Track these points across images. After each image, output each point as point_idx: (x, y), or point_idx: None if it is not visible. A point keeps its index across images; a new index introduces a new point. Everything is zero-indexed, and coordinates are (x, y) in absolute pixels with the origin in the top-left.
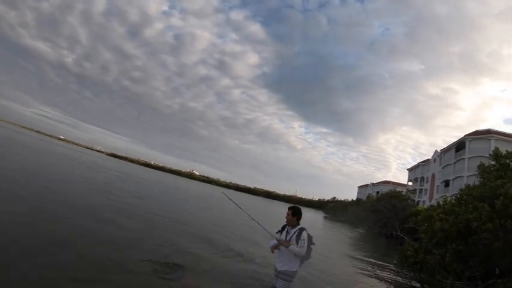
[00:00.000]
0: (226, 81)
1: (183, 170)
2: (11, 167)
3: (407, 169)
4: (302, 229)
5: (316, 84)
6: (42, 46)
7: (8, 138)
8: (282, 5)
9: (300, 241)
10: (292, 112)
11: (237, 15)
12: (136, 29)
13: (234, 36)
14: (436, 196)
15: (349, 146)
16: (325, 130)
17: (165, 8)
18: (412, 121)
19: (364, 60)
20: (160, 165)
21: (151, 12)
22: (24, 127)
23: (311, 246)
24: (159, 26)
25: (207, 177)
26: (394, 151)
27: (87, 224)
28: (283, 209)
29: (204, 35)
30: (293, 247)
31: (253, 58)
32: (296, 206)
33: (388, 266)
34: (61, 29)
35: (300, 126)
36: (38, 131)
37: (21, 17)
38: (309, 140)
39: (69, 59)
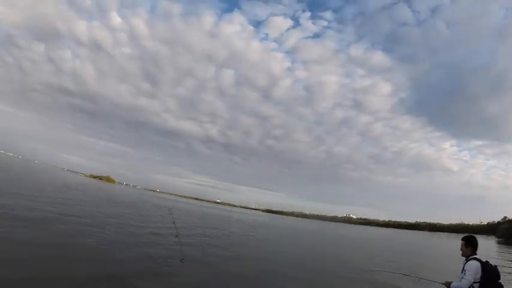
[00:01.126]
0: (365, 118)
1: (339, 216)
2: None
3: None
4: (470, 259)
5: (456, 95)
6: (187, 125)
7: (171, 207)
8: (396, 26)
9: (462, 272)
10: (440, 132)
11: (357, 50)
12: (267, 91)
13: (360, 71)
14: None
15: (510, 153)
16: (479, 142)
17: (288, 64)
18: None
19: (497, 53)
20: (316, 213)
21: (276, 72)
22: (183, 196)
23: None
24: (287, 82)
25: (365, 219)
26: None
27: None
28: (454, 242)
29: (331, 79)
30: (453, 284)
31: (385, 87)
32: (470, 235)
33: None
34: (200, 106)
35: (452, 145)
36: (196, 198)
37: (163, 105)
38: (465, 158)
39: (213, 131)
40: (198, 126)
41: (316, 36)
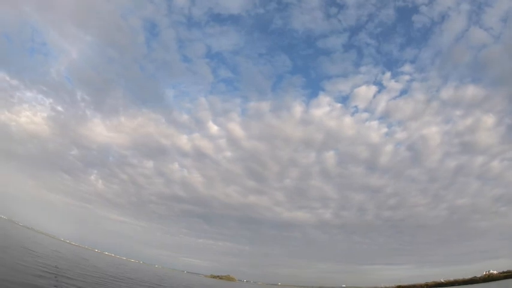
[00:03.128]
0: (479, 159)
1: (478, 275)
2: None
3: None
4: None
5: None
6: (299, 214)
7: None
8: (475, 51)
9: None
10: None
11: (447, 92)
12: (372, 162)
13: (458, 112)
14: None
15: None
16: None
17: (385, 129)
18: None
19: None
20: (452, 279)
21: (375, 141)
22: (306, 286)
23: None
24: (388, 148)
25: (509, 272)
26: None
27: None
28: None
29: (431, 131)
30: None
31: (489, 120)
32: None
33: None
34: (309, 193)
35: None
36: (320, 287)
37: (272, 199)
38: None
39: (326, 215)
40: (310, 213)
41: (403, 92)
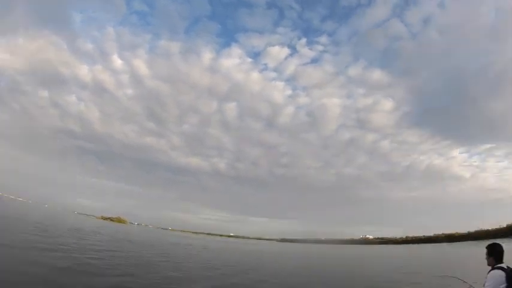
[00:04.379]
0: (371, 137)
1: (356, 238)
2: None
3: None
4: (492, 269)
5: (458, 100)
6: (195, 160)
7: (178, 243)
8: (391, 41)
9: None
10: (448, 141)
11: (355, 71)
12: (271, 120)
13: (361, 90)
14: None
15: None
16: (488, 146)
17: (289, 91)
18: None
19: (493, 53)
20: (332, 238)
21: (278, 101)
22: (196, 232)
23: None
24: (289, 109)
25: (382, 238)
26: None
27: None
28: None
29: (333, 102)
30: None
31: (387, 104)
32: (493, 243)
33: None
34: (206, 141)
35: (461, 153)
36: (208, 233)
37: (169, 142)
38: (475, 163)
39: (221, 164)
40: (206, 161)
41: (314, 61)
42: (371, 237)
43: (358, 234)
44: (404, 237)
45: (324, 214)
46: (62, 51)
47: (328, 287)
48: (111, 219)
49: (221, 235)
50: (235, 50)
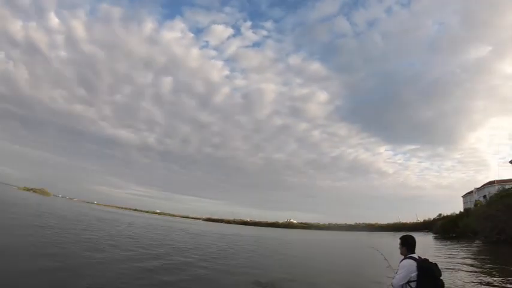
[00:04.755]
0: (303, 126)
1: (280, 221)
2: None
3: (510, 161)
4: (404, 259)
5: (389, 103)
6: (124, 133)
7: (104, 218)
8: (334, 37)
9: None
10: (376, 138)
11: (295, 60)
12: (205, 98)
13: (298, 80)
14: None
15: (441, 156)
16: (413, 147)
17: (227, 72)
18: (499, 109)
19: (430, 63)
20: (257, 220)
21: (215, 80)
22: (121, 207)
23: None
24: (225, 90)
25: (306, 223)
26: (489, 147)
27: None
28: (395, 240)
29: (269, 88)
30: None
31: (322, 96)
32: (406, 235)
33: None
34: (138, 114)
35: (387, 150)
36: (135, 209)
37: (99, 112)
38: (399, 161)
39: (151, 139)
40: (135, 134)
41: (256, 45)
42: (295, 221)
43: (283, 218)
44: (327, 223)
45: (251, 197)
46: None
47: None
48: (34, 190)
49: (147, 211)
50: (178, 24)
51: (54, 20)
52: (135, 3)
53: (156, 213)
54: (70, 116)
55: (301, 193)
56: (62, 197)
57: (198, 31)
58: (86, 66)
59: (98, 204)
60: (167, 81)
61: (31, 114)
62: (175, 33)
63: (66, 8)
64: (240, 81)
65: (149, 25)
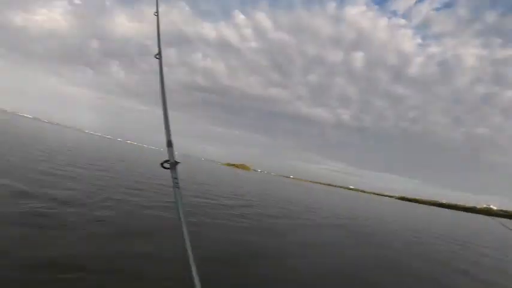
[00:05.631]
0: (510, 94)
1: (478, 206)
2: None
3: None
4: None
5: None
6: (318, 111)
7: (305, 192)
8: None
9: None
10: None
11: (492, 17)
12: (399, 71)
13: (498, 40)
14: None
15: None
16: None
17: (419, 40)
18: None
19: None
20: (453, 203)
21: (407, 50)
22: (316, 182)
23: None
24: (419, 60)
25: (506, 211)
26: None
27: None
28: None
29: (467, 52)
30: None
31: None
32: None
33: None
34: (331, 92)
35: None
36: (329, 184)
37: (295, 93)
38: None
39: (345, 116)
40: (329, 112)
41: (446, 6)
42: (495, 208)
43: (482, 203)
44: None
45: (447, 176)
46: (185, 12)
47: None
48: (235, 165)
49: (341, 187)
50: None
51: (239, 17)
52: None
53: (350, 189)
54: (266, 99)
55: (503, 174)
56: (260, 171)
57: (382, 1)
58: (277, 52)
59: (294, 178)
60: (358, 57)
61: (230, 101)
62: (359, 8)
63: (249, 4)
64: (434, 49)
65: (332, 3)
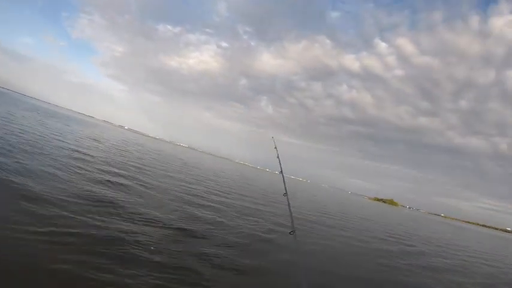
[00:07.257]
0: None
1: None
2: None
3: None
4: None
5: None
6: (472, 140)
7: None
8: None
9: None
10: None
11: None
12: None
13: None
14: None
15: None
16: None
17: None
18: None
19: None
20: None
21: None
22: (467, 222)
23: None
24: None
25: None
26: None
27: None
28: None
29: None
30: None
31: None
32: None
33: None
34: (485, 118)
35: None
36: (482, 225)
37: (445, 122)
38: None
39: (504, 145)
40: (485, 141)
41: None
42: None
43: None
44: None
45: None
46: (325, 46)
47: None
48: (383, 200)
49: (495, 228)
50: (504, 5)
51: (381, 45)
52: (449, 0)
53: (507, 231)
54: (415, 129)
55: None
56: (409, 207)
57: None
58: (423, 78)
59: (444, 216)
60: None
61: (378, 132)
62: (505, 17)
63: (388, 30)
64: None
65: (474, 18)
